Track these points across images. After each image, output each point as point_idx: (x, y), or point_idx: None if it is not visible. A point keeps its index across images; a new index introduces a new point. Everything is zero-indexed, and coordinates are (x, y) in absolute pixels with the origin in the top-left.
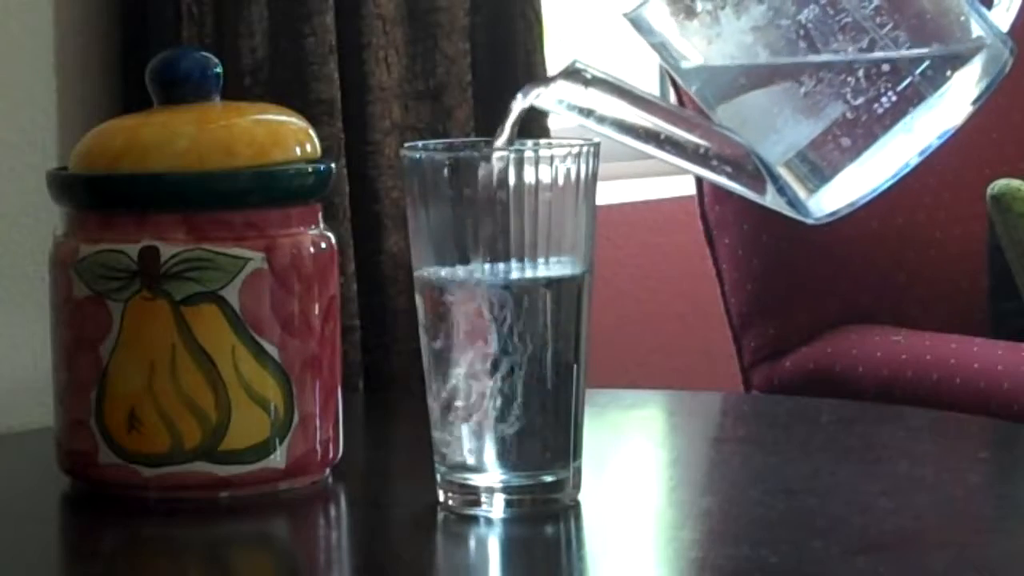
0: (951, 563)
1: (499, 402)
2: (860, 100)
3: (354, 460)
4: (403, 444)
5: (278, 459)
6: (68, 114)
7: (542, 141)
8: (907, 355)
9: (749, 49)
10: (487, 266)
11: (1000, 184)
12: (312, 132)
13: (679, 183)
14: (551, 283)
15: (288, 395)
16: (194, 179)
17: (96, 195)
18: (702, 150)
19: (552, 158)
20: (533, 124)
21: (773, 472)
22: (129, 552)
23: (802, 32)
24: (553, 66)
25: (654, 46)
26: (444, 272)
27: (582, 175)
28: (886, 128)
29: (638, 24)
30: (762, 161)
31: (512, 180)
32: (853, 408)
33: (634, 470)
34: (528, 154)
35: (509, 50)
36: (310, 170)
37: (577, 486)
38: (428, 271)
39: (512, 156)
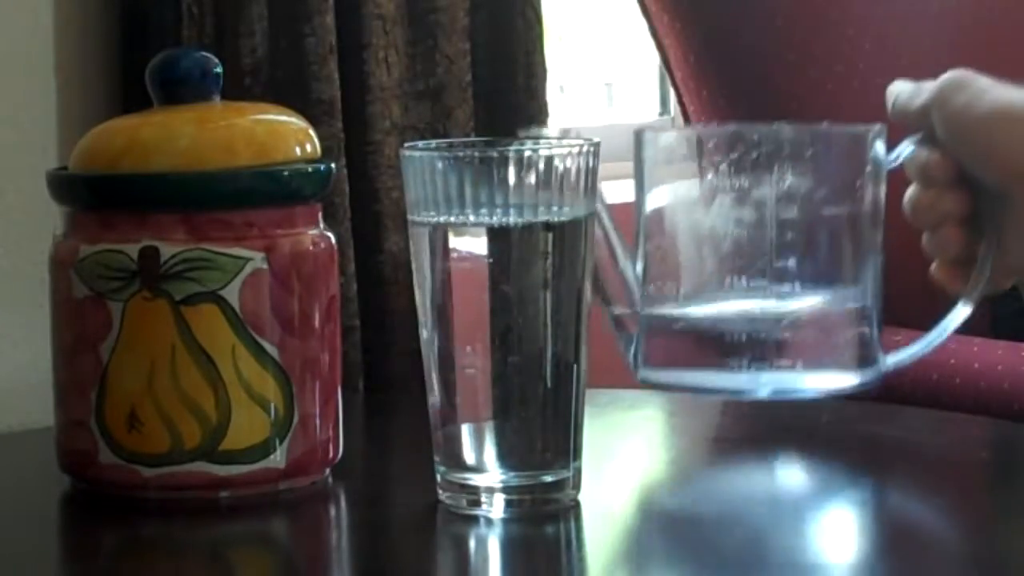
0: (951, 563)
1: (499, 401)
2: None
3: (354, 460)
4: (403, 444)
5: (278, 459)
6: (68, 114)
7: (542, 141)
8: None
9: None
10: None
11: None
12: (312, 132)
13: None
14: (551, 227)
15: (288, 395)
16: (194, 179)
17: (96, 195)
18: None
19: (552, 158)
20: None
21: (772, 472)
22: (129, 552)
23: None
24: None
25: (639, 160)
26: (441, 215)
27: (582, 175)
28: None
29: (640, 140)
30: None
31: (512, 180)
32: (853, 408)
33: (634, 470)
34: (528, 154)
35: (509, 50)
36: (310, 170)
37: (577, 486)
38: (425, 215)
39: (512, 156)
